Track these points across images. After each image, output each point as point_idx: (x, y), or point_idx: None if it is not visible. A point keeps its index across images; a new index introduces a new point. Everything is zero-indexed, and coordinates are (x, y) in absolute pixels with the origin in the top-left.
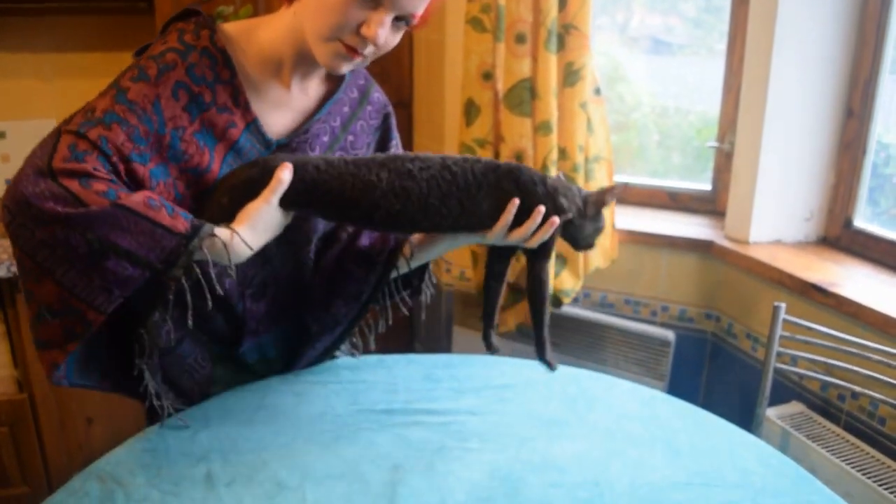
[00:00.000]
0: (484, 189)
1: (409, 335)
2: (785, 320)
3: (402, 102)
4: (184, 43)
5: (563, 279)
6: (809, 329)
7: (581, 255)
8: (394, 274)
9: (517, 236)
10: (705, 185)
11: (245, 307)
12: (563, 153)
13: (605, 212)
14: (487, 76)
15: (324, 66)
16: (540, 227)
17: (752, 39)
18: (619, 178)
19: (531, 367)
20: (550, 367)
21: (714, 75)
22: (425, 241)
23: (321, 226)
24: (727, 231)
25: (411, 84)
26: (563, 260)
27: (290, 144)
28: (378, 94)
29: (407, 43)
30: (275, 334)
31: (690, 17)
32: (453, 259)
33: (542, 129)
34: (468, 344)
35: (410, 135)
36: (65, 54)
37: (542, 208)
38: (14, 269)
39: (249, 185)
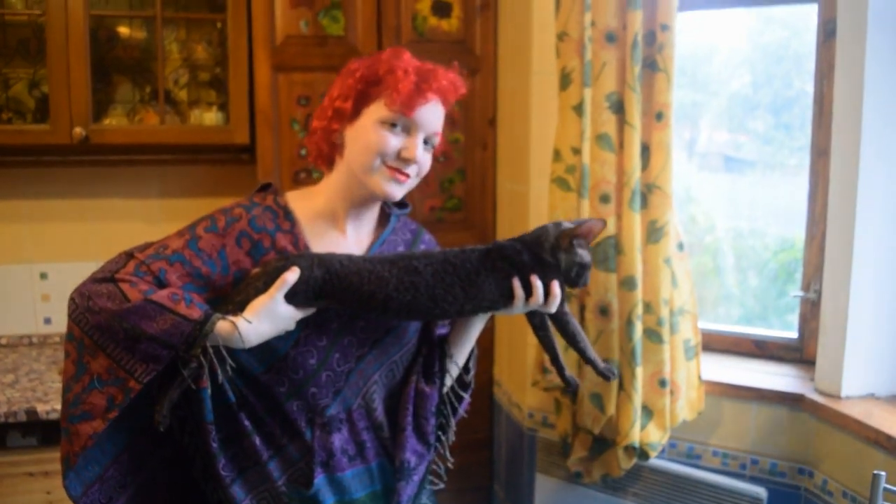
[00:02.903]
0: (483, 274)
1: (489, 475)
2: (886, 489)
3: None
4: (251, 201)
5: (648, 432)
6: None
7: (667, 407)
8: (448, 381)
9: (533, 304)
10: (790, 332)
11: (314, 436)
12: (647, 307)
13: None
14: None
15: (380, 194)
16: (547, 293)
17: (834, 193)
18: (703, 325)
19: None
20: (611, 376)
21: (787, 193)
22: (456, 329)
23: (379, 369)
24: (817, 384)
25: (494, 233)
26: (648, 413)
27: None
28: (429, 236)
29: (491, 192)
30: (355, 474)
31: (759, 133)
32: (536, 405)
33: (626, 284)
34: (551, 494)
35: None
36: (172, 200)
37: (538, 284)
38: None
39: (278, 275)
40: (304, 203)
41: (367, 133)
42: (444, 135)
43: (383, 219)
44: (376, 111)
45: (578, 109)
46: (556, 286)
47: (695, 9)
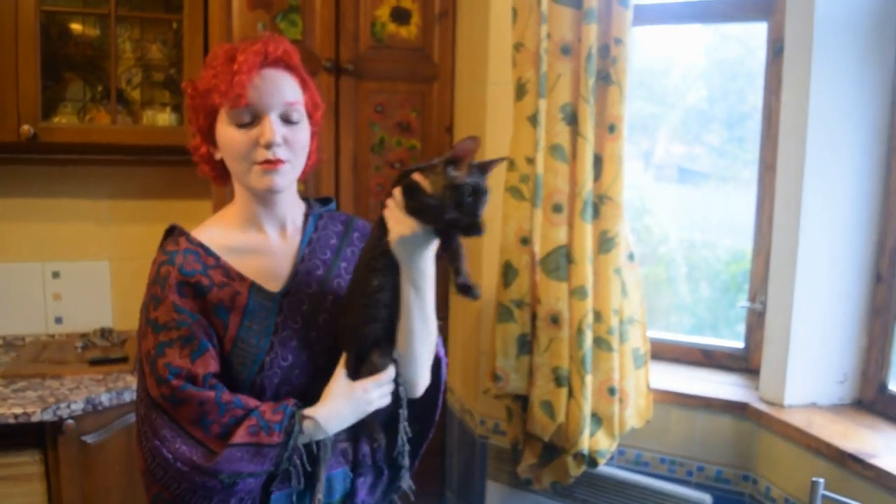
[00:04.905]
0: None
1: (441, 483)
2: (824, 496)
3: (440, 254)
4: (167, 252)
5: (597, 439)
6: None
7: (616, 415)
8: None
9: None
10: (738, 342)
11: None
12: (598, 316)
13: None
14: (525, 241)
15: (262, 189)
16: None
17: (780, 207)
18: (653, 334)
19: None
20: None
21: (740, 206)
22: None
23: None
24: (761, 393)
25: None
26: (598, 420)
27: (290, 291)
28: (362, 222)
29: None
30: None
31: (715, 147)
32: (488, 412)
33: (577, 293)
34: (502, 501)
35: (447, 286)
36: (121, 201)
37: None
38: (59, 411)
39: None
40: (215, 230)
41: (225, 141)
42: (310, 104)
43: (308, 216)
44: (222, 118)
45: (533, 120)
46: (395, 190)
47: (650, 23)
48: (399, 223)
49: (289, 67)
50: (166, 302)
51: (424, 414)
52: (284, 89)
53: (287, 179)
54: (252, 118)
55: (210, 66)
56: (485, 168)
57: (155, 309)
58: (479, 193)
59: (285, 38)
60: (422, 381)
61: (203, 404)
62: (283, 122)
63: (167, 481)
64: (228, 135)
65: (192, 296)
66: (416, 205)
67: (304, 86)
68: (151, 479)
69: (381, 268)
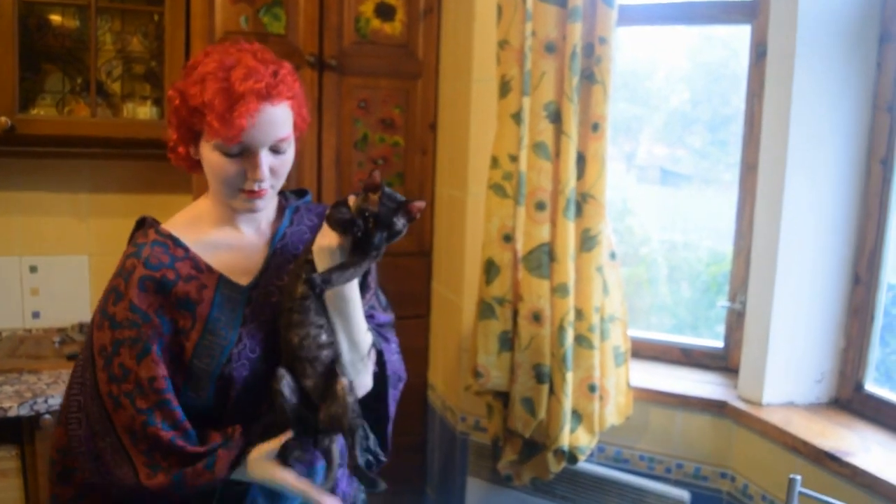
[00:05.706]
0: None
1: (422, 479)
2: (801, 493)
3: (423, 251)
4: (136, 244)
5: (578, 436)
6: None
7: (596, 412)
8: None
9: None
10: (717, 342)
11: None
12: (579, 314)
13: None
14: (507, 238)
15: (243, 211)
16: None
17: (761, 208)
18: (634, 333)
19: None
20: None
21: (721, 208)
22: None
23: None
24: (740, 391)
25: (432, 235)
26: (578, 417)
27: (259, 285)
28: None
29: (429, 196)
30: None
31: (696, 149)
32: (469, 409)
33: (559, 291)
34: (482, 497)
35: (429, 282)
36: (101, 194)
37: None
38: (36, 406)
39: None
40: (188, 223)
41: (209, 161)
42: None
43: (283, 209)
44: (208, 139)
45: (517, 117)
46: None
47: (634, 24)
48: (324, 235)
49: (283, 99)
50: (125, 299)
51: (375, 407)
52: (278, 126)
53: (268, 202)
54: (241, 150)
55: (200, 81)
56: (399, 206)
57: (114, 304)
58: (380, 223)
59: (292, 72)
60: (360, 389)
61: (133, 419)
62: (272, 153)
63: (80, 466)
64: (214, 160)
65: (154, 291)
66: (334, 216)
67: (295, 105)
68: (68, 457)
69: (306, 277)
